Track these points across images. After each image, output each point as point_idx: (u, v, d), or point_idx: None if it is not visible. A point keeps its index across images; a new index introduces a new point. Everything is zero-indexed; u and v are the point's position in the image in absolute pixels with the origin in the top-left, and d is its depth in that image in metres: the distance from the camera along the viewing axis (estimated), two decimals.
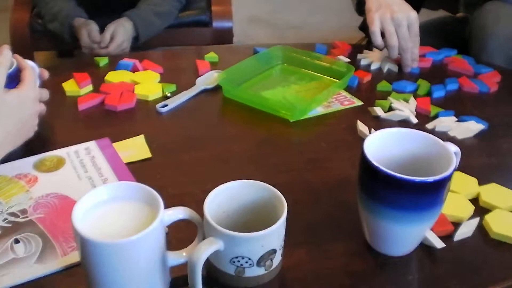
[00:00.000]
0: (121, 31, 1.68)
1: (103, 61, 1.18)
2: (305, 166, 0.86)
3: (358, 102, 1.05)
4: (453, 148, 0.67)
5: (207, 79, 1.11)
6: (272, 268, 0.59)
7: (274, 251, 0.58)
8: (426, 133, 0.68)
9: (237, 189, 0.62)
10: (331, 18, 3.41)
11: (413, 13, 1.16)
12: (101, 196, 0.60)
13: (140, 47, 1.77)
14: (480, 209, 0.77)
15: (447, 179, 0.61)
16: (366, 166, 0.62)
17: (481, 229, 0.74)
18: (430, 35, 1.58)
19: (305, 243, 0.71)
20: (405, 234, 0.66)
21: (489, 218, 0.75)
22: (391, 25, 1.14)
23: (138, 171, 0.83)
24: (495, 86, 1.15)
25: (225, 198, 0.62)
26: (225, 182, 0.63)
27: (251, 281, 0.58)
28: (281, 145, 0.93)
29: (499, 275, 0.68)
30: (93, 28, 1.68)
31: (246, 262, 0.56)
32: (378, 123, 0.98)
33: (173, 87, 1.07)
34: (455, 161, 0.63)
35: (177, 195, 0.78)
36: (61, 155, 0.86)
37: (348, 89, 1.11)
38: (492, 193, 0.80)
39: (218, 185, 0.62)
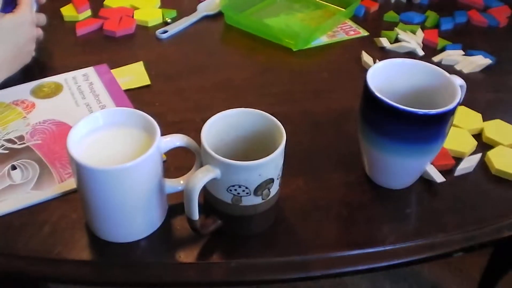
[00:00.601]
0: None
1: None
2: (306, 96, 0.85)
3: (364, 33, 1.02)
4: (458, 81, 0.65)
5: (209, 5, 1.07)
6: (269, 197, 0.58)
7: (271, 181, 0.57)
8: (431, 65, 0.66)
9: (235, 117, 0.61)
10: None
11: None
12: (97, 122, 0.59)
13: None
14: (483, 145, 0.77)
15: (451, 112, 0.60)
16: (369, 96, 0.61)
17: (482, 165, 0.74)
18: None
19: (304, 173, 0.70)
20: (405, 167, 0.65)
21: (491, 154, 0.74)
22: None
23: (136, 97, 0.81)
24: (505, 20, 1.11)
25: (223, 126, 0.61)
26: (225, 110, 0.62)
27: (248, 209, 0.58)
28: (283, 74, 0.91)
29: (498, 211, 0.67)
30: None
31: (243, 190, 0.56)
32: (383, 55, 0.96)
33: (173, 13, 1.04)
34: (459, 95, 0.61)
35: (176, 123, 0.77)
36: (59, 81, 0.85)
37: (354, 18, 1.07)
38: (495, 129, 0.78)
39: (217, 113, 0.61)
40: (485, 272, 1.18)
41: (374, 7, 1.11)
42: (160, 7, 1.07)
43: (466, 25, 1.09)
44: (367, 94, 0.61)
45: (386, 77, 0.66)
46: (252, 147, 0.62)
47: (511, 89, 0.91)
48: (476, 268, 1.24)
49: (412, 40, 0.99)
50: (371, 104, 0.61)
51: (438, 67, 0.66)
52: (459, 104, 0.62)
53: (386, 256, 0.62)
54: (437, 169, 0.70)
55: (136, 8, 1.05)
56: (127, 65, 0.89)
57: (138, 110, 0.60)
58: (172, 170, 0.66)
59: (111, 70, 0.87)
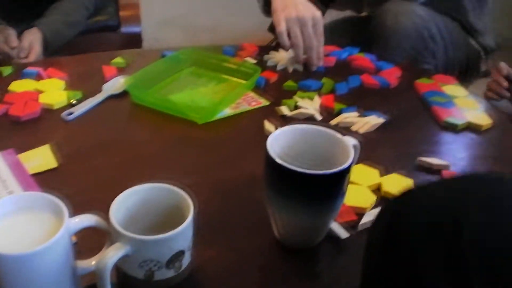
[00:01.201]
0: (37, 40, 1.63)
1: (7, 70, 1.15)
2: (214, 167, 0.88)
3: (265, 102, 1.08)
4: (352, 141, 0.70)
5: (114, 85, 1.10)
6: (181, 269, 0.60)
7: (182, 253, 0.58)
8: (325, 128, 0.71)
9: (144, 193, 0.63)
10: (243, 19, 3.44)
11: (317, 13, 1.20)
12: (4, 208, 0.59)
13: (47, 55, 1.72)
14: (382, 199, 0.81)
15: (346, 171, 0.64)
16: (270, 162, 0.64)
17: None
18: (336, 34, 1.64)
19: (216, 242, 0.72)
20: (310, 227, 0.68)
21: None
22: (297, 26, 1.17)
23: (44, 181, 0.81)
24: (395, 81, 1.20)
25: (132, 202, 0.62)
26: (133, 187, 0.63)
27: (161, 284, 0.59)
28: (191, 147, 0.94)
29: None
30: (10, 33, 1.62)
31: (155, 265, 0.57)
32: (285, 122, 1.00)
33: (79, 94, 1.06)
34: (353, 154, 0.66)
35: (87, 202, 0.76)
36: None
37: (256, 89, 1.13)
38: (392, 182, 0.84)
39: (125, 190, 0.62)
40: None
41: (274, 78, 1.17)
42: (65, 89, 1.08)
43: (360, 88, 1.17)
44: (268, 160, 0.65)
45: (286, 143, 0.70)
46: (162, 221, 0.63)
47: (404, 144, 0.97)
48: None
49: (311, 106, 1.05)
50: (273, 170, 0.65)
51: (332, 130, 0.71)
52: (354, 162, 0.67)
53: None
54: (342, 226, 0.74)
55: (41, 92, 1.06)
56: (33, 149, 0.89)
57: (45, 194, 0.60)
58: (84, 251, 0.65)
59: (18, 155, 0.87)
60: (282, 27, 1.17)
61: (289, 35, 1.18)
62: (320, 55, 1.22)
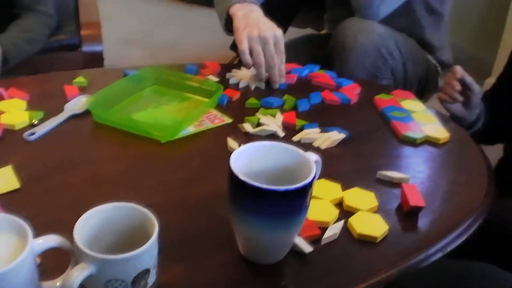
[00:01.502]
0: None
1: None
2: (179, 185, 0.88)
3: (228, 120, 1.09)
4: (313, 157, 0.71)
5: (76, 104, 1.09)
6: None
7: (147, 271, 0.59)
8: (287, 145, 0.72)
9: (108, 212, 0.63)
10: (205, 37, 3.46)
11: (278, 31, 1.22)
12: None
13: (7, 73, 1.70)
14: (345, 212, 0.83)
15: (308, 186, 0.65)
16: (233, 179, 0.65)
17: (346, 231, 0.80)
18: (297, 52, 1.67)
19: (182, 259, 0.72)
20: (274, 242, 0.69)
21: (352, 220, 0.80)
22: (258, 44, 1.19)
23: (8, 202, 0.80)
24: (355, 97, 1.23)
25: (97, 222, 0.62)
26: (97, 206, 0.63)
27: None
28: (154, 165, 0.94)
29: (365, 272, 0.73)
30: None
31: (120, 284, 0.57)
32: (248, 139, 1.02)
33: (40, 114, 1.05)
34: (314, 169, 0.67)
35: (50, 223, 0.76)
36: None
37: (219, 107, 1.14)
38: (354, 196, 0.86)
39: (89, 210, 0.62)
40: None
41: (236, 96, 1.19)
42: (26, 109, 1.07)
43: (321, 105, 1.20)
44: (232, 177, 0.66)
45: (249, 160, 0.71)
46: (127, 240, 0.63)
47: (365, 159, 1.00)
48: None
49: (273, 123, 1.06)
50: (236, 186, 0.66)
51: (293, 146, 0.72)
52: (317, 177, 0.69)
53: None
54: (305, 240, 0.75)
55: (2, 112, 1.05)
56: None
57: (8, 215, 0.60)
58: (49, 272, 0.65)
59: None
60: (244, 46, 1.19)
61: (251, 53, 1.20)
62: (282, 72, 1.24)
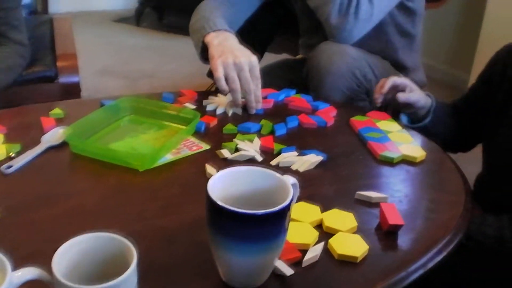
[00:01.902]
0: None
1: None
2: (158, 213, 0.88)
3: (206, 146, 1.09)
4: (290, 180, 0.72)
5: (53, 136, 1.09)
6: None
7: None
8: (264, 169, 0.73)
9: (86, 243, 0.63)
10: (182, 66, 3.48)
11: (253, 58, 1.23)
12: None
13: None
14: (325, 234, 0.83)
15: (286, 209, 0.66)
16: (211, 205, 0.65)
17: (326, 252, 0.80)
18: (273, 77, 1.68)
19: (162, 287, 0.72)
20: (255, 266, 0.69)
21: (332, 241, 0.81)
22: (234, 71, 1.21)
23: None
24: (332, 120, 1.24)
25: (75, 252, 0.62)
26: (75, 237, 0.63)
27: None
28: (133, 194, 0.94)
29: None
30: None
31: None
32: (227, 165, 1.02)
33: (17, 147, 1.04)
34: (292, 192, 0.67)
35: (30, 255, 0.76)
36: None
37: (196, 134, 1.14)
38: (334, 218, 0.86)
39: (68, 241, 0.62)
40: None
41: (214, 122, 1.19)
42: (3, 142, 1.07)
43: (298, 128, 1.21)
44: (209, 203, 0.66)
45: (226, 185, 0.71)
46: (106, 270, 0.63)
47: (343, 180, 1.00)
48: None
49: (251, 148, 1.07)
50: (215, 212, 0.66)
51: (270, 170, 0.72)
52: (294, 200, 0.69)
53: None
54: (286, 263, 0.75)
55: None
56: None
57: None
58: None
59: None
60: (219, 73, 1.20)
61: (226, 80, 1.21)
62: (258, 98, 1.25)
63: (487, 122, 1.28)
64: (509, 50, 1.24)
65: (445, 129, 1.28)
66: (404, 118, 1.34)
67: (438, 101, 1.33)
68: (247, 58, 1.22)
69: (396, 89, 1.28)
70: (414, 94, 1.28)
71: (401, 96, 1.25)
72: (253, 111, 1.25)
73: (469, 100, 1.36)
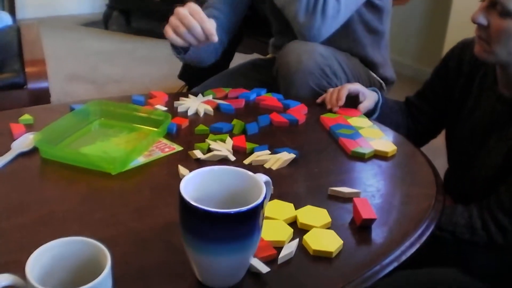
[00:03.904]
0: None
1: None
2: (130, 217, 0.87)
3: (178, 148, 1.08)
4: (263, 178, 0.72)
5: (23, 142, 1.07)
6: None
7: None
8: (236, 168, 0.73)
9: (59, 248, 0.62)
10: (152, 69, 3.46)
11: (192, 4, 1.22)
12: None
13: None
14: (299, 231, 0.84)
15: (259, 207, 0.66)
16: (184, 205, 0.65)
17: (302, 248, 0.80)
18: (244, 77, 1.68)
19: None
20: (230, 265, 0.69)
21: (307, 237, 0.81)
22: (177, 20, 1.20)
23: None
24: (303, 117, 1.25)
25: (48, 258, 0.62)
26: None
27: None
28: (105, 199, 0.93)
29: (323, 286, 0.74)
30: None
31: None
32: (200, 165, 1.02)
33: None
34: (264, 190, 0.68)
35: (2, 265, 0.75)
36: None
37: (168, 136, 1.14)
38: (307, 214, 0.87)
39: (40, 247, 0.61)
40: None
41: (185, 123, 1.19)
42: None
43: (269, 127, 1.21)
44: (182, 203, 0.66)
45: (199, 185, 0.71)
46: (81, 275, 0.62)
47: (316, 177, 1.01)
48: None
49: (223, 148, 1.07)
50: (188, 212, 0.66)
51: (242, 169, 0.73)
52: (268, 198, 0.69)
53: None
54: (262, 261, 0.75)
55: None
56: None
57: None
58: None
59: None
60: (168, 32, 1.22)
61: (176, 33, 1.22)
62: (208, 31, 1.21)
63: (446, 118, 1.31)
64: (462, 46, 1.27)
65: (392, 125, 1.30)
66: None
67: (387, 98, 1.38)
68: (186, 8, 1.21)
69: (349, 95, 1.30)
70: (367, 101, 1.32)
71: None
72: (215, 39, 1.22)
73: (425, 96, 1.38)
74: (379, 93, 1.36)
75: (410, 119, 1.40)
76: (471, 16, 1.05)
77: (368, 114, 1.33)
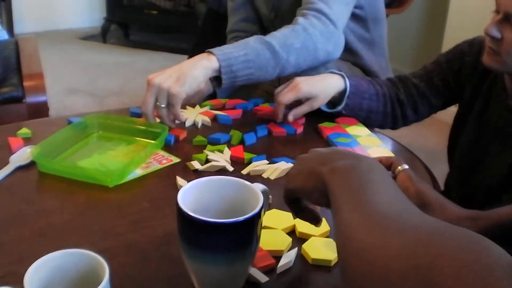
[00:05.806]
0: None
1: None
2: (129, 228, 0.87)
3: (176, 159, 1.08)
4: (260, 187, 0.72)
5: (21, 156, 1.07)
6: None
7: None
8: (233, 178, 0.73)
9: (57, 260, 0.62)
10: None
11: (178, 88, 1.14)
12: None
13: None
14: (298, 240, 0.84)
15: (257, 216, 0.66)
16: (182, 216, 0.65)
17: (301, 258, 0.80)
18: (247, 88, 1.68)
19: None
20: (229, 275, 0.69)
21: (305, 246, 0.81)
22: (152, 94, 1.16)
23: None
24: (301, 127, 1.25)
25: (47, 270, 0.61)
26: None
27: None
28: (103, 211, 0.93)
29: None
30: None
31: None
32: (198, 176, 1.01)
33: None
34: (262, 200, 0.68)
35: (1, 277, 0.75)
36: None
37: (166, 148, 1.14)
38: (306, 223, 0.86)
39: (39, 259, 0.61)
40: None
41: (183, 135, 1.19)
42: None
43: (267, 137, 1.21)
44: (180, 213, 0.66)
45: (197, 196, 0.71)
46: (79, 286, 0.63)
47: None
48: None
49: (221, 158, 1.07)
50: (186, 223, 0.66)
51: (239, 179, 0.73)
52: (265, 207, 0.69)
53: None
54: (261, 270, 0.75)
55: None
56: None
57: None
58: None
59: None
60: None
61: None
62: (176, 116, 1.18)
63: (444, 108, 1.30)
64: (480, 43, 1.20)
65: (362, 112, 1.26)
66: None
67: (358, 84, 1.31)
68: (172, 88, 1.14)
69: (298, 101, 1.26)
70: (316, 101, 1.26)
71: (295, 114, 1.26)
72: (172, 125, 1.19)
73: (432, 82, 1.30)
74: (348, 82, 1.29)
75: (397, 101, 1.33)
76: (484, 28, 1.04)
77: (335, 104, 1.30)
